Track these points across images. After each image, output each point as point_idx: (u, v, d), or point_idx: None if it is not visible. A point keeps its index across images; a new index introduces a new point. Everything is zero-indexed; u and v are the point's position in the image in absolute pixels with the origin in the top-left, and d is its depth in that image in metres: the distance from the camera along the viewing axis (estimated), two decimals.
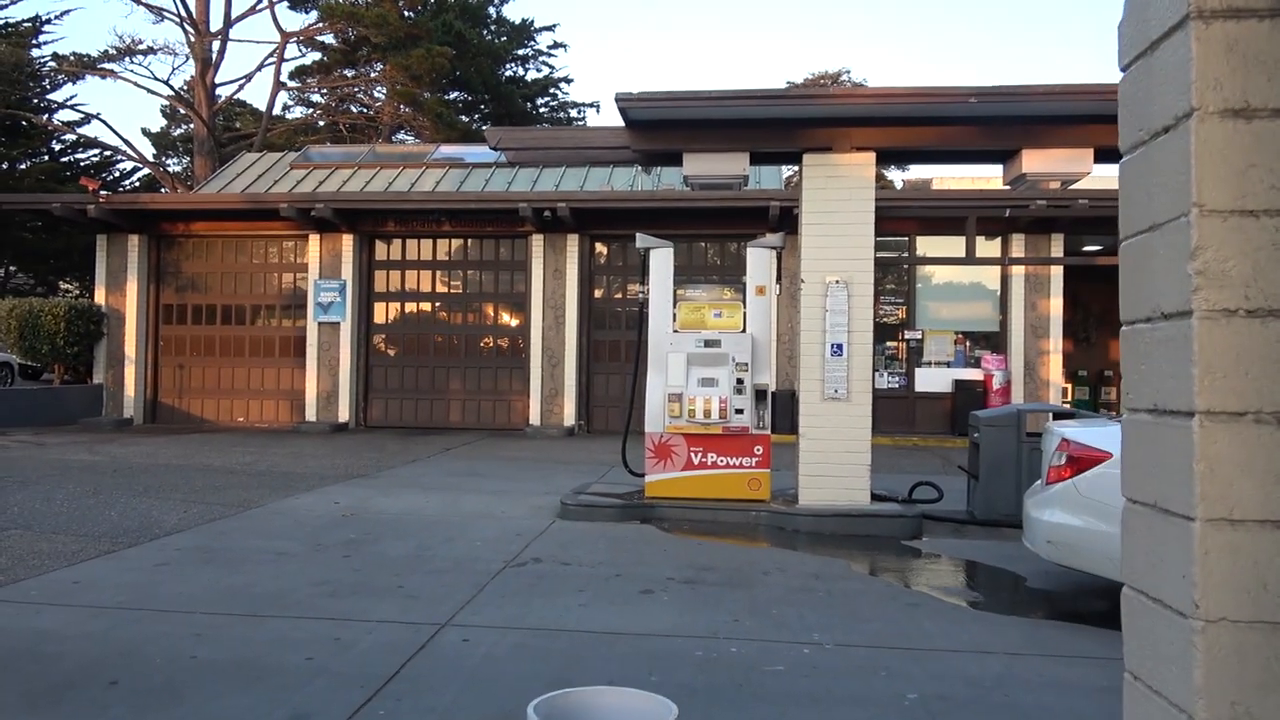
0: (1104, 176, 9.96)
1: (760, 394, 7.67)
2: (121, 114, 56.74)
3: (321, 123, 30.04)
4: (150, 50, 25.55)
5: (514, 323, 15.42)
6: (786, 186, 15.48)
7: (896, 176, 30.49)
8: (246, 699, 3.52)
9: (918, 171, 29.83)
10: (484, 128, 16.31)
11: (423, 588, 5.20)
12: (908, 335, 14.90)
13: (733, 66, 65.67)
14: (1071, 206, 12.33)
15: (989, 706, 3.59)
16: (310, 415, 15.06)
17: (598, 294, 15.25)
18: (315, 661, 3.96)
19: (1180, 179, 0.96)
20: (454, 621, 4.56)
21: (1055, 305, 14.29)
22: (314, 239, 15.26)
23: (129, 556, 5.85)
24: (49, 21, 27.08)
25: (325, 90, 29.47)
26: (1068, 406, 12.72)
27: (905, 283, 15.13)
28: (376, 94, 29.09)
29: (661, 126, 7.59)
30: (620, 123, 7.69)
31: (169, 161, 33.14)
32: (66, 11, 47.52)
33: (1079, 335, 16.94)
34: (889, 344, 14.82)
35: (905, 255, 14.74)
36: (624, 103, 7.33)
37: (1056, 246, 14.26)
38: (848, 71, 35.60)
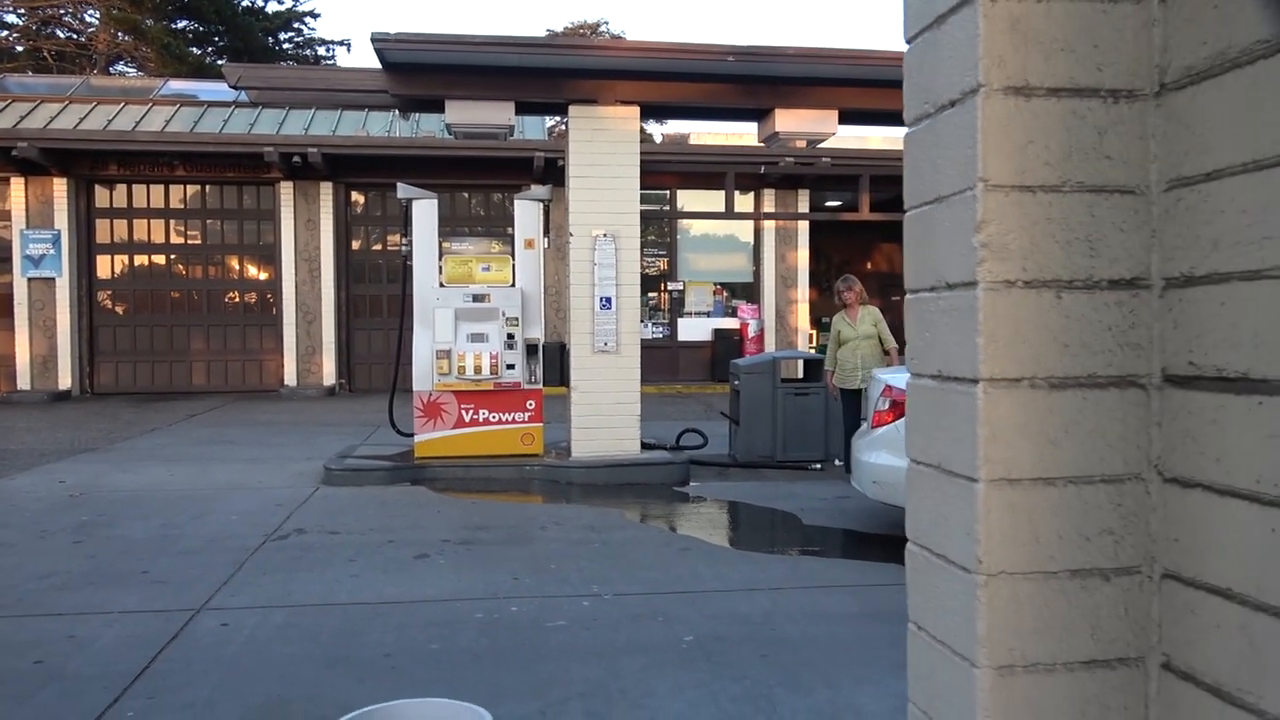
0: (846, 137, 10.65)
1: (531, 348, 7.63)
2: None
3: (20, 48, 26.26)
4: None
5: (263, 276, 14.37)
6: (550, 137, 15.34)
7: (656, 130, 31.14)
8: None
9: (675, 127, 30.59)
10: (221, 63, 14.94)
11: (171, 571, 4.77)
12: (670, 286, 15.36)
13: (494, 9, 64.01)
14: (815, 165, 13.11)
15: (760, 642, 3.80)
16: (23, 383, 13.34)
17: (356, 246, 14.51)
18: (46, 665, 3.52)
19: (966, 153, 0.99)
20: (210, 605, 4.22)
21: (802, 257, 15.22)
22: (17, 183, 13.38)
23: None
24: None
25: (23, 11, 25.75)
26: (814, 352, 13.67)
27: (667, 235, 15.54)
28: (89, 18, 25.82)
29: (423, 70, 7.24)
30: (377, 64, 7.27)
31: None
32: None
33: (823, 285, 18.20)
34: (652, 295, 15.21)
35: (667, 209, 15.13)
36: (381, 43, 6.92)
37: (803, 202, 15.15)
38: (606, 23, 35.74)
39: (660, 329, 15.30)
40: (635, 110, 7.53)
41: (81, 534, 5.52)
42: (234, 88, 7.50)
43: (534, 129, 15.95)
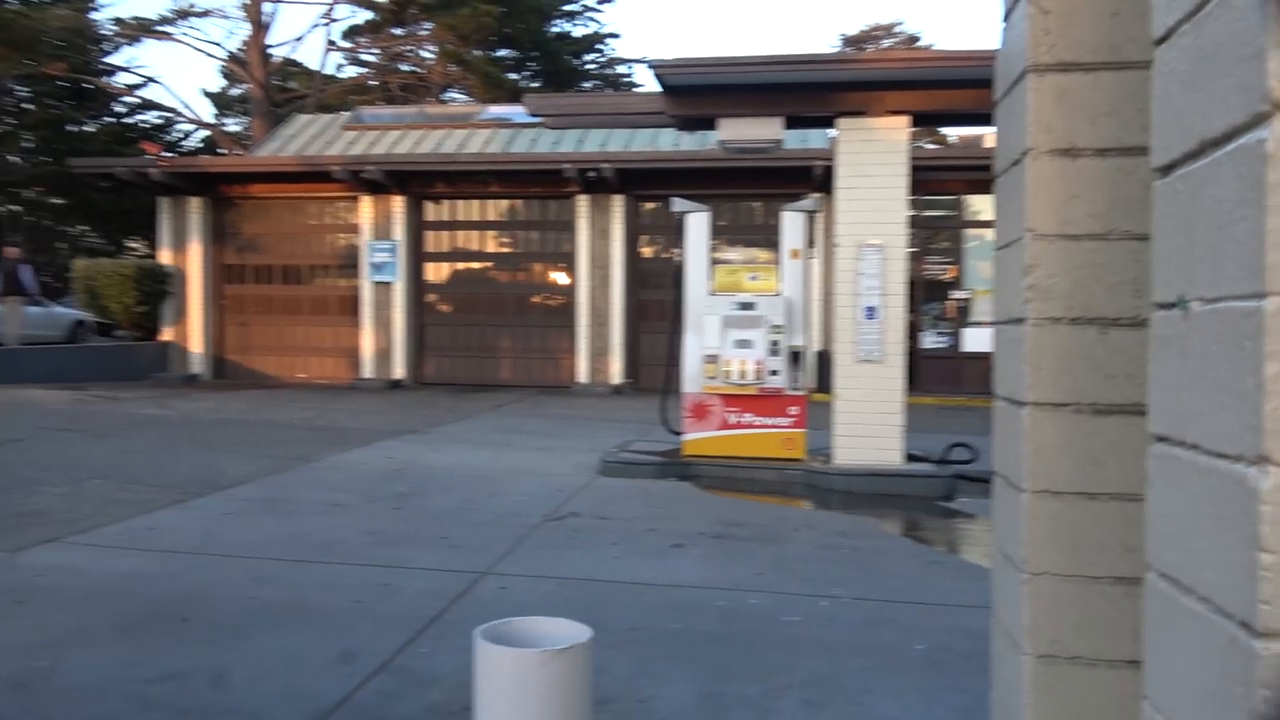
0: None
1: (795, 355, 7.85)
2: (181, 77, 57.89)
3: (374, 82, 30.41)
4: (206, 13, 26.05)
5: (562, 282, 15.71)
6: (831, 146, 15.40)
7: (951, 133, 29.90)
8: (301, 637, 3.89)
9: (969, 130, 29.17)
10: (524, 93, 16.39)
11: (466, 539, 5.55)
12: (956, 295, 14.84)
13: (787, 17, 64.41)
14: None
15: (986, 658, 3.80)
16: (367, 372, 15.59)
17: (644, 253, 15.44)
18: (364, 604, 4.32)
19: (1019, 206, 1.15)
20: (493, 570, 4.89)
21: None
22: (365, 200, 15.66)
23: (198, 506, 6.31)
24: None
25: (376, 50, 29.81)
26: None
27: (955, 242, 15.03)
28: (426, 53, 29.35)
29: (696, 91, 7.71)
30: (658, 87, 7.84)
31: (228, 121, 33.88)
32: None
33: None
34: (935, 304, 14.78)
35: (955, 215, 14.65)
36: (659, 69, 7.46)
37: None
38: (901, 23, 34.81)
39: (944, 339, 14.83)
40: (904, 120, 7.51)
41: (399, 502, 6.52)
42: (531, 115, 8.41)
43: (817, 139, 16.07)
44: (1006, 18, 1.25)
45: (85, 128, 27.33)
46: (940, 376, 14.55)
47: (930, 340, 14.68)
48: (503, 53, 30.91)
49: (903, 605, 4.50)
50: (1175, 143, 0.79)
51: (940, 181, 14.19)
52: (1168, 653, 0.77)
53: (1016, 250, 1.17)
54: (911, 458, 7.67)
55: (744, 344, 7.86)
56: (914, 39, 34.45)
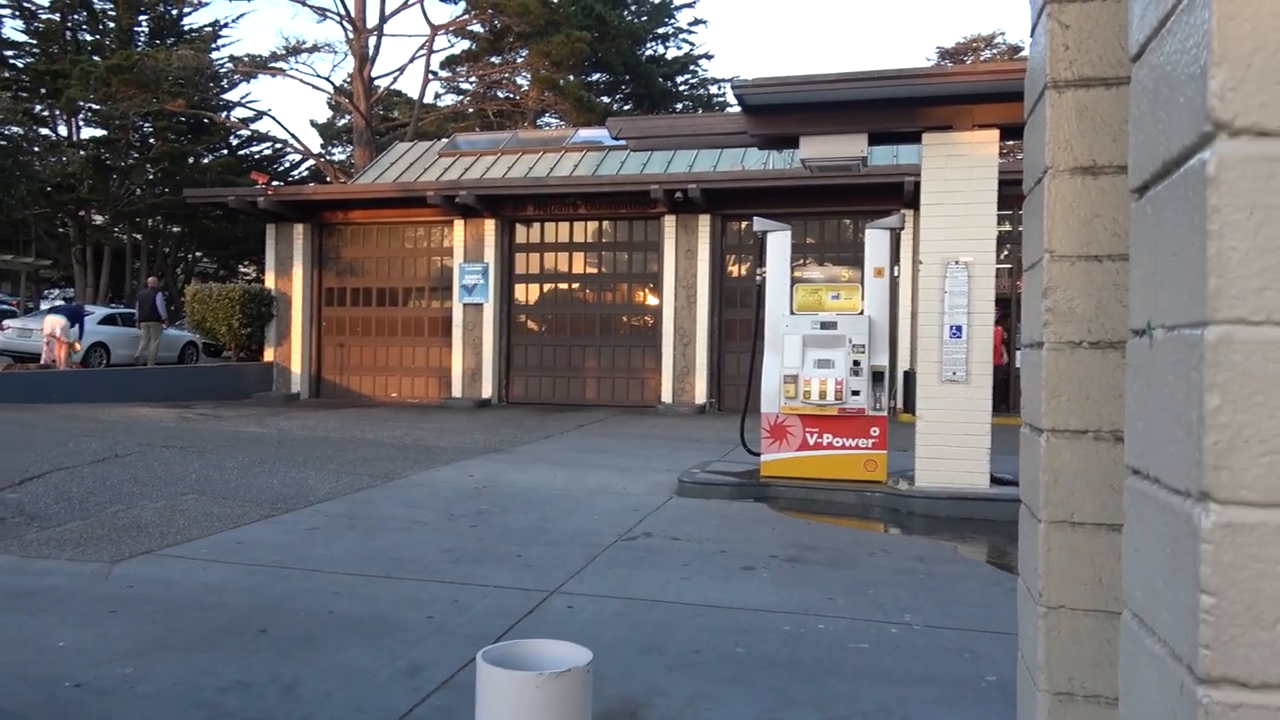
0: None
1: (877, 375, 7.69)
2: (290, 109, 60.63)
3: (471, 110, 31.28)
4: (314, 49, 27.26)
5: (648, 302, 15.78)
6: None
7: None
8: (372, 650, 3.97)
9: None
10: (608, 118, 16.60)
11: (538, 557, 5.59)
12: None
13: (881, 32, 63.61)
14: None
15: None
16: (456, 392, 15.93)
17: (731, 273, 15.40)
18: (435, 620, 4.39)
19: (1039, 226, 1.10)
20: (562, 589, 4.91)
21: None
22: (459, 224, 16.06)
23: (285, 521, 6.53)
24: (225, 26, 29.36)
25: (473, 79, 30.64)
26: None
27: None
28: (521, 80, 30.02)
29: (777, 110, 7.67)
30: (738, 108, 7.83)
31: (334, 151, 35.32)
32: (240, 16, 51.34)
33: None
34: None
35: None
36: (740, 89, 7.46)
37: None
38: (1002, 33, 33.97)
39: None
40: (993, 134, 7.32)
41: (478, 520, 6.62)
42: (615, 138, 8.49)
43: (908, 154, 15.80)
44: (1032, 33, 1.20)
45: (202, 160, 28.86)
46: None
47: (1019, 360, 14.19)
48: (596, 76, 31.41)
49: (978, 634, 4.33)
50: (1145, 164, 0.74)
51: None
52: (1135, 696, 0.71)
53: (1037, 272, 1.12)
54: (997, 480, 7.41)
55: (824, 364, 7.74)
56: (1015, 50, 33.56)
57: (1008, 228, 13.93)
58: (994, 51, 33.68)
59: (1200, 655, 0.56)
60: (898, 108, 7.43)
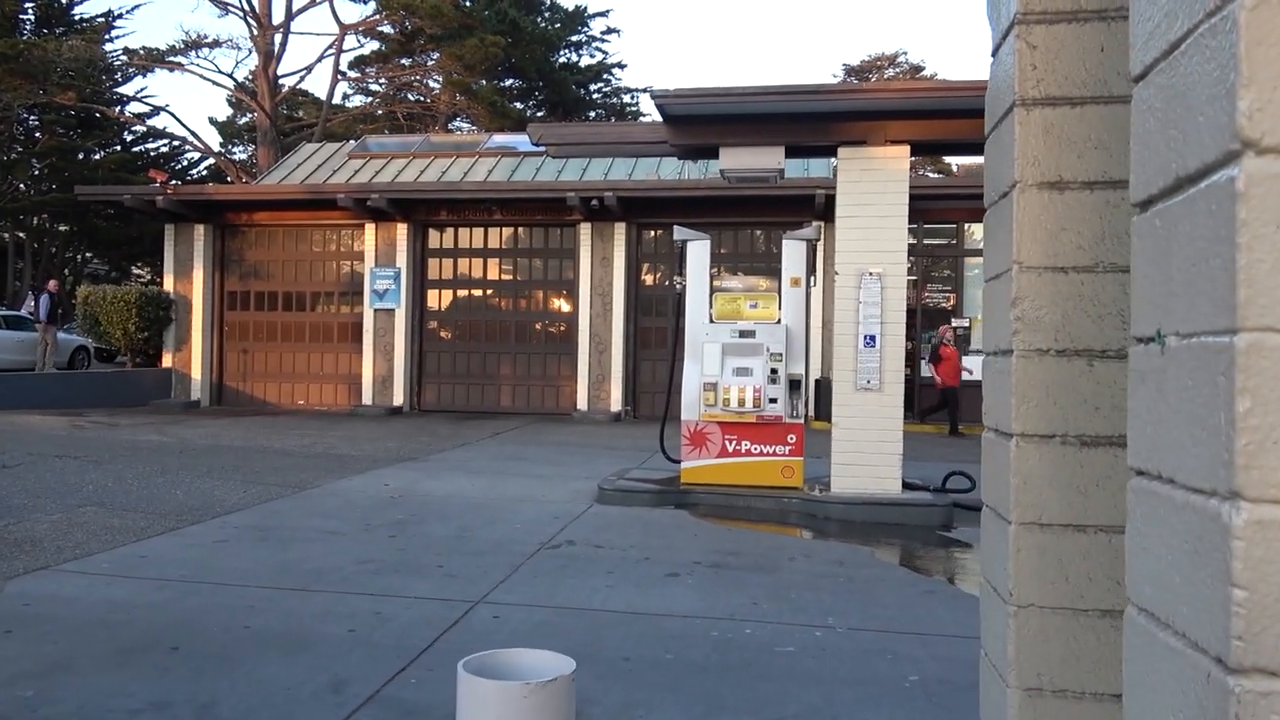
0: None
1: (794, 383, 7.83)
2: (189, 106, 58.47)
3: (380, 111, 30.69)
4: (216, 44, 26.34)
5: (563, 309, 15.73)
6: (834, 175, 15.49)
7: (955, 161, 30.07)
8: (292, 666, 3.85)
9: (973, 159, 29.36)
10: (530, 122, 16.58)
11: (461, 567, 5.50)
12: (955, 323, 14.84)
13: (791, 48, 65.06)
14: None
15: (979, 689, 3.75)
16: (366, 399, 15.58)
17: (645, 281, 15.48)
18: (357, 633, 4.27)
19: (1007, 238, 1.15)
20: (487, 599, 4.85)
21: None
22: (370, 228, 15.73)
23: (191, 533, 6.27)
24: (120, 17, 28.09)
25: (384, 80, 30.09)
26: None
27: (956, 270, 15.07)
28: (433, 83, 29.62)
29: (697, 121, 7.76)
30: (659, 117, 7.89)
31: (235, 150, 34.16)
32: (136, 7, 49.02)
33: None
34: (934, 333, 14.77)
35: (955, 243, 14.70)
36: (660, 99, 7.52)
37: None
38: (904, 53, 35.12)
39: None
40: (904, 150, 7.55)
41: (396, 530, 6.48)
42: (535, 144, 8.46)
43: (819, 168, 16.16)
44: (995, 52, 1.25)
45: (93, 156, 27.55)
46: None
47: (930, 370, 14.64)
48: (509, 82, 31.20)
49: (898, 635, 4.45)
50: (1153, 179, 0.78)
51: (941, 210, 14.26)
52: (1146, 687, 0.75)
53: (1005, 282, 1.17)
54: (910, 486, 7.63)
55: (743, 371, 7.84)
56: (917, 69, 34.73)
57: (913, 240, 14.38)
58: (897, 70, 34.77)
59: (1232, 646, 0.59)
60: (815, 122, 7.61)
